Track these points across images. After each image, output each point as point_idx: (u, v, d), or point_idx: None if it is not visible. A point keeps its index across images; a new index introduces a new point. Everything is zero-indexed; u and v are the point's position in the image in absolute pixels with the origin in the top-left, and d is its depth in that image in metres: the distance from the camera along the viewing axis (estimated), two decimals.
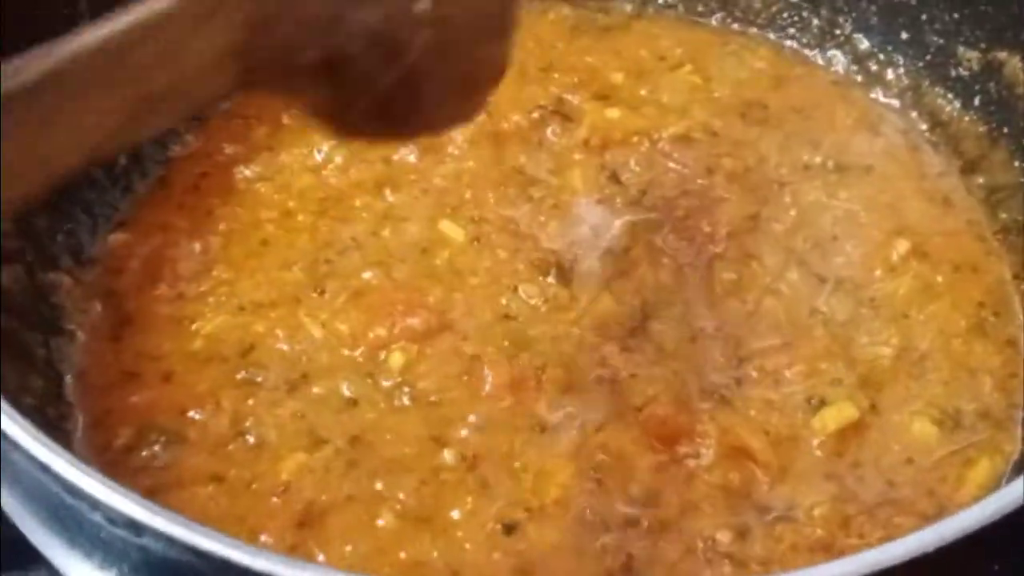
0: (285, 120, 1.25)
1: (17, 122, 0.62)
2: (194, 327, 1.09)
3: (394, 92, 0.81)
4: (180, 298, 1.11)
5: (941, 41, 1.23)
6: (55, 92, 0.64)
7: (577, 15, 1.37)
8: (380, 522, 0.97)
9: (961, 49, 1.21)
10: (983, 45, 1.19)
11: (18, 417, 0.77)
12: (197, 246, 1.15)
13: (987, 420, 1.05)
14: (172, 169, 1.22)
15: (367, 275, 1.12)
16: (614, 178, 1.20)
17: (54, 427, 0.98)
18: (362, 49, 0.77)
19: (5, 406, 0.77)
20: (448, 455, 1.00)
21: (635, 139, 1.22)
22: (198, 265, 1.13)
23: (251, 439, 1.01)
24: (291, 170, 1.21)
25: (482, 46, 0.87)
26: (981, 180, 1.21)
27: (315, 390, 1.04)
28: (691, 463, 1.01)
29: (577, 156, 1.22)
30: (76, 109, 0.65)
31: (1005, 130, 1.19)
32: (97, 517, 0.73)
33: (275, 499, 0.98)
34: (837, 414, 1.04)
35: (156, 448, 1.01)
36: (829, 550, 0.97)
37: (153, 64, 0.68)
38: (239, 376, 1.05)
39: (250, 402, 1.04)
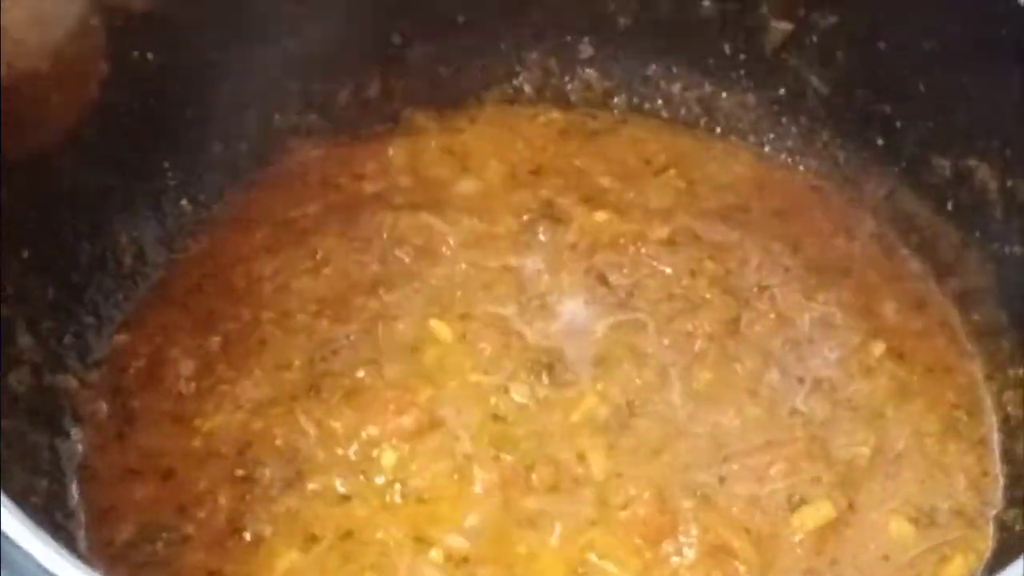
0: (284, 222, 1.28)
1: None
2: (194, 425, 1.12)
3: None
4: (181, 397, 1.14)
5: (915, 149, 1.27)
6: None
7: (566, 119, 1.41)
8: None
9: (935, 156, 1.25)
10: (955, 153, 1.23)
11: (21, 517, 0.79)
12: (198, 345, 1.18)
13: (961, 518, 1.09)
14: (174, 271, 1.25)
15: (360, 374, 1.15)
16: (602, 279, 1.23)
17: (58, 526, 1.01)
18: None
19: (8, 506, 0.79)
20: (436, 553, 1.03)
21: (622, 242, 1.26)
22: (199, 364, 1.16)
23: (248, 535, 1.04)
24: (290, 271, 1.24)
25: None
26: (954, 283, 1.24)
27: (310, 487, 1.07)
28: (675, 561, 1.03)
29: (566, 258, 1.25)
30: None
31: (977, 234, 1.22)
32: None
33: None
34: (816, 512, 1.07)
35: (157, 545, 1.04)
36: None
37: None
38: (237, 473, 1.08)
39: (247, 499, 1.06)
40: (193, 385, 1.15)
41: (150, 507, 1.06)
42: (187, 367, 1.15)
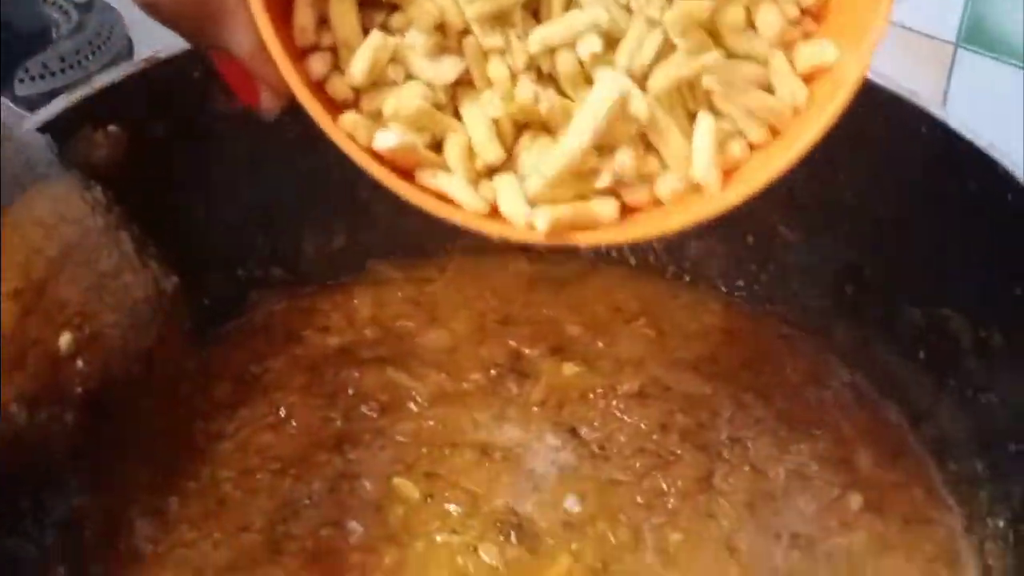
0: (247, 376, 1.26)
1: None
2: None
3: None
4: (138, 560, 1.10)
5: (886, 297, 1.27)
6: None
7: (534, 268, 1.40)
8: None
9: (906, 305, 1.25)
10: (927, 302, 1.23)
11: None
12: (157, 506, 1.14)
13: None
14: (133, 429, 1.21)
15: (324, 534, 1.12)
16: (572, 434, 1.21)
17: None
18: (28, 414, 0.88)
19: None
20: None
21: (591, 396, 1.24)
22: (156, 525, 1.13)
23: None
24: (251, 427, 1.21)
25: None
26: (930, 432, 1.23)
27: None
28: None
29: (535, 413, 1.23)
30: None
31: (951, 383, 1.22)
32: None
33: None
34: None
35: None
36: None
37: None
38: None
39: None
40: (151, 548, 1.11)
41: None
42: (145, 529, 1.12)
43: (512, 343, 1.30)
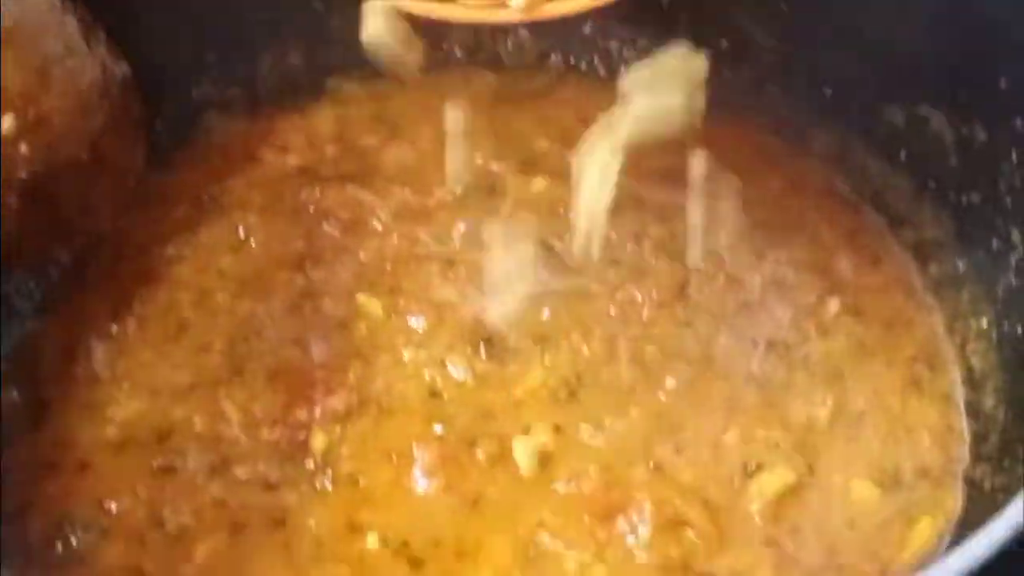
0: (205, 198, 1.22)
1: None
2: (108, 413, 1.06)
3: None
4: (96, 383, 1.08)
5: (865, 98, 1.22)
6: None
7: (500, 82, 1.35)
8: None
9: (885, 105, 1.20)
10: (907, 101, 1.19)
11: None
12: (113, 329, 1.12)
13: (927, 478, 1.04)
14: (87, 252, 1.18)
15: (285, 354, 1.09)
16: (543, 247, 1.17)
17: None
18: None
19: None
20: (373, 540, 0.97)
21: (561, 209, 1.20)
22: (114, 349, 1.10)
23: (170, 528, 0.98)
24: (210, 249, 1.18)
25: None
26: (910, 235, 1.20)
27: (235, 474, 1.01)
28: (630, 540, 0.98)
29: (503, 228, 1.19)
30: None
31: (932, 184, 1.18)
32: None
33: None
34: (774, 479, 1.02)
35: (74, 541, 0.98)
36: None
37: None
38: (156, 463, 1.02)
39: (167, 489, 1.00)
40: (108, 371, 1.08)
41: (66, 501, 1.00)
42: (101, 352, 1.10)
43: (479, 159, 1.26)
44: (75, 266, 1.17)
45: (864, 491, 1.02)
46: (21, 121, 0.89)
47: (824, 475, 1.03)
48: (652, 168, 1.25)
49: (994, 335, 1.10)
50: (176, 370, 1.08)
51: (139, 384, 1.07)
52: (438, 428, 1.04)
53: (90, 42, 0.96)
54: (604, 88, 1.33)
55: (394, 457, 1.02)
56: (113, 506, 0.99)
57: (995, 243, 1.11)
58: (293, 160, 1.25)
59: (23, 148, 0.89)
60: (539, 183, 1.24)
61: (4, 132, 0.88)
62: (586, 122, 1.29)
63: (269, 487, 1.00)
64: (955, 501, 1.02)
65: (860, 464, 1.04)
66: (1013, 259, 1.08)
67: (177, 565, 0.96)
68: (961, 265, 1.14)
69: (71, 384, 1.08)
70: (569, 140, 1.28)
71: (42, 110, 0.91)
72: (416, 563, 0.96)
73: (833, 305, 1.14)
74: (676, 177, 1.24)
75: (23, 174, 0.90)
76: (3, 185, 0.89)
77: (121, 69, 0.99)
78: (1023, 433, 1.00)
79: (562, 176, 1.24)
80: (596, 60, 1.35)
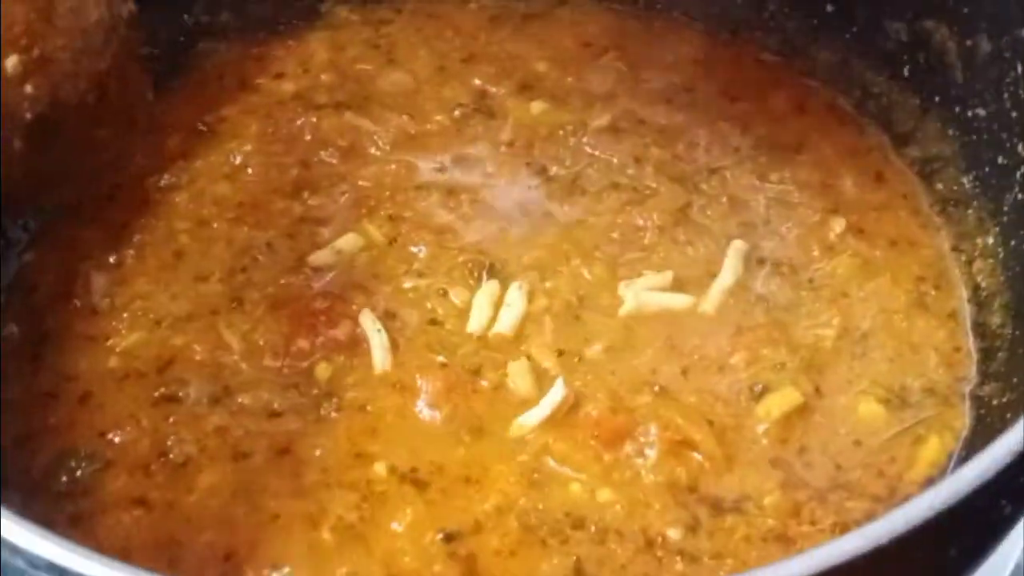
0: (200, 127, 1.20)
1: None
2: (109, 344, 1.04)
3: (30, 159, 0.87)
4: (95, 314, 1.07)
5: (867, 13, 1.20)
6: None
7: (497, 4, 1.33)
8: (317, 538, 0.92)
9: (888, 20, 1.18)
10: (910, 15, 1.16)
11: None
12: (111, 259, 1.10)
13: (934, 396, 1.03)
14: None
15: (285, 282, 1.07)
16: (542, 172, 1.16)
17: None
18: None
19: None
20: (381, 468, 0.96)
21: (561, 133, 1.19)
22: (112, 279, 1.09)
23: (174, 458, 0.97)
24: (206, 178, 1.16)
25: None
26: (914, 152, 1.18)
27: (238, 402, 1.00)
28: (637, 462, 0.97)
29: (503, 152, 1.18)
30: None
31: (936, 100, 1.16)
32: (19, 562, 0.68)
33: (202, 521, 0.93)
34: (781, 400, 1.01)
35: (77, 473, 0.97)
36: (781, 540, 0.94)
37: None
38: (157, 393, 1.01)
39: (171, 419, 0.99)
40: (107, 302, 1.07)
41: (68, 433, 0.99)
42: (99, 283, 1.08)
43: (476, 82, 1.24)
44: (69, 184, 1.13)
45: (870, 410, 1.01)
46: (26, 61, 0.86)
47: (830, 395, 1.02)
48: (654, 90, 1.24)
49: (1000, 252, 1.08)
50: (175, 300, 1.06)
51: (138, 314, 1.05)
52: (441, 357, 1.03)
53: None
54: (603, 9, 1.32)
55: (397, 385, 1.01)
56: (116, 437, 0.98)
57: (1000, 158, 1.08)
58: (288, 87, 1.23)
59: (28, 88, 0.86)
60: (538, 106, 1.22)
61: (8, 72, 0.85)
62: (587, 45, 1.28)
63: (273, 415, 0.99)
64: (963, 419, 1.01)
65: (866, 383, 1.02)
66: (1019, 174, 1.06)
67: (182, 495, 0.94)
68: (966, 182, 1.13)
69: (70, 315, 1.06)
70: (568, 63, 1.26)
71: (47, 49, 0.88)
72: (422, 487, 0.95)
73: (837, 225, 1.12)
74: (678, 99, 1.23)
75: (28, 115, 0.87)
76: (8, 126, 0.86)
77: (127, 8, 0.96)
78: None
79: (562, 99, 1.23)
80: None
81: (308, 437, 0.98)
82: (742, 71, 1.27)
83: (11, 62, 0.86)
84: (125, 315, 1.06)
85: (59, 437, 0.99)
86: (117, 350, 1.04)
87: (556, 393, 0.99)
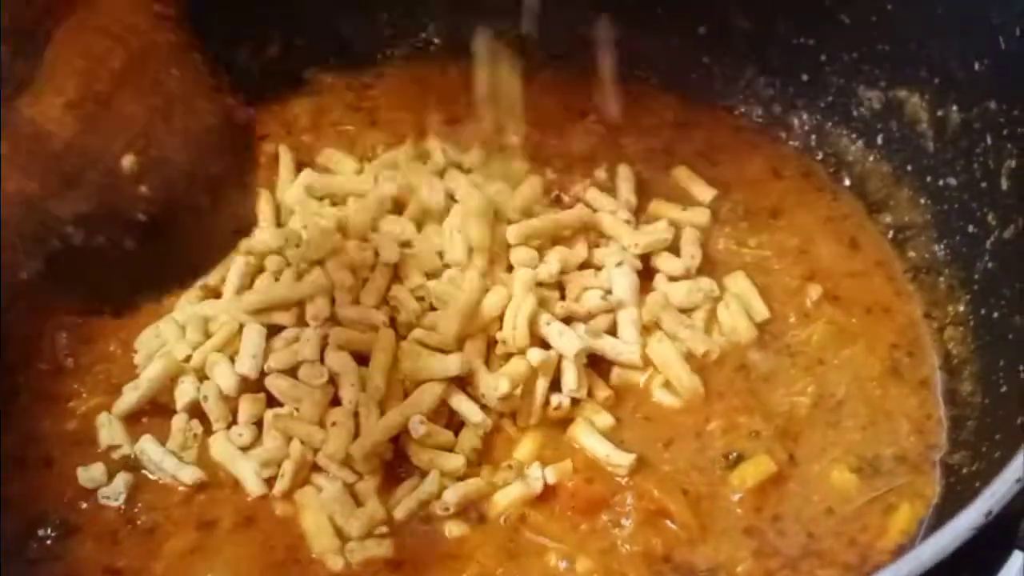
0: None
1: None
2: (70, 406, 1.02)
3: (138, 259, 0.83)
4: (60, 373, 1.05)
5: (842, 82, 1.19)
6: None
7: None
8: None
9: (862, 89, 1.18)
10: (883, 84, 1.16)
11: None
12: (77, 319, 1.08)
13: (905, 464, 1.01)
14: None
15: None
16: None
17: None
18: (85, 236, 0.79)
19: None
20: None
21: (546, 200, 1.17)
22: (78, 339, 1.07)
23: (141, 524, 0.95)
24: None
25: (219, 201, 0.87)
26: (888, 219, 1.17)
27: None
28: (614, 532, 0.96)
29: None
30: None
31: (909, 168, 1.16)
32: None
33: None
34: (755, 468, 0.99)
35: (47, 541, 0.95)
36: None
37: None
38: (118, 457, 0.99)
39: (136, 487, 0.98)
40: (71, 361, 1.05)
41: (37, 498, 0.97)
42: (64, 341, 1.07)
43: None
44: None
45: (843, 478, 1.00)
46: (142, 161, 0.81)
47: (804, 463, 1.00)
48: (632, 152, 1.23)
49: (971, 320, 1.07)
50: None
51: (100, 376, 1.04)
52: None
53: (216, 83, 0.90)
54: (583, 75, 1.31)
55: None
56: (82, 503, 0.96)
57: (971, 227, 1.08)
58: (269, 147, 1.21)
59: (143, 189, 0.82)
60: (520, 166, 1.19)
61: (124, 171, 0.81)
62: (568, 109, 1.27)
63: (238, 483, 0.98)
64: (933, 487, 0.99)
65: (839, 452, 1.01)
66: (989, 243, 1.06)
67: (149, 562, 0.93)
68: (938, 250, 1.12)
69: (36, 373, 1.05)
70: (548, 126, 1.24)
71: (163, 151, 0.83)
72: (397, 565, 0.94)
73: (814, 291, 1.11)
74: (657, 160, 1.22)
75: (142, 215, 0.82)
76: (120, 225, 0.82)
77: (247, 114, 0.91)
78: (999, 418, 0.98)
79: (544, 161, 1.21)
80: (577, 48, 1.30)
81: (273, 507, 0.97)
82: (719, 136, 1.25)
83: (128, 161, 0.82)
84: (87, 377, 1.04)
85: (29, 503, 0.96)
86: (78, 413, 1.02)
87: (535, 481, 0.98)
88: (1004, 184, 1.04)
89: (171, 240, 0.85)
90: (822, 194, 1.21)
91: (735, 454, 1.01)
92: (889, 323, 1.11)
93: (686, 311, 1.09)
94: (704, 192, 1.19)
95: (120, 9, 0.85)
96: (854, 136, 1.20)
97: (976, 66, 1.05)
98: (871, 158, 1.19)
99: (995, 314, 1.05)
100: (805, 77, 1.22)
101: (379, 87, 1.30)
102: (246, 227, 0.92)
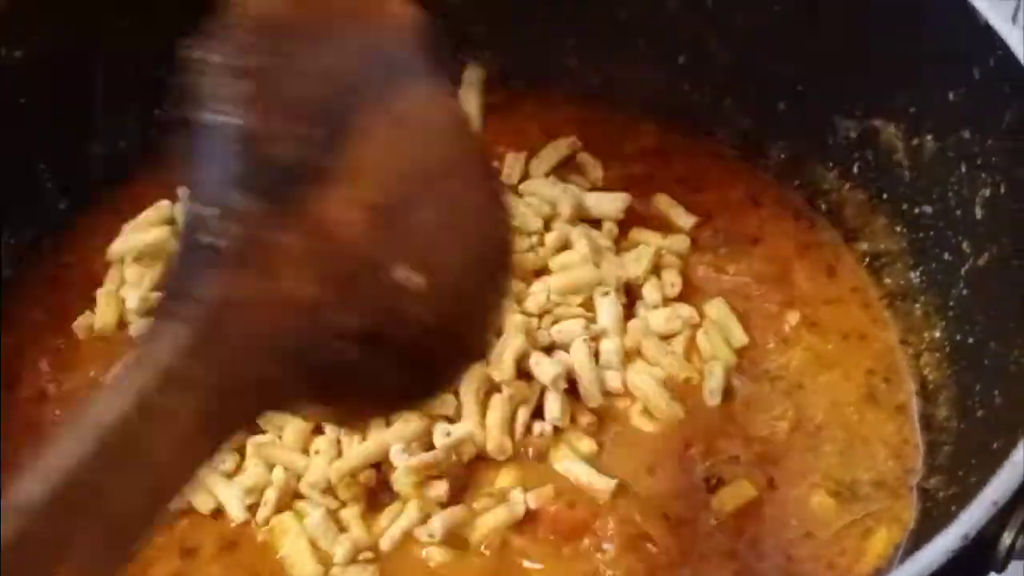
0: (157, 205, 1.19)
1: None
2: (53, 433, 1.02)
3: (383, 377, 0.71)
4: (43, 399, 1.05)
5: (818, 111, 1.20)
6: None
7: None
8: None
9: (838, 118, 1.19)
10: (859, 113, 1.16)
11: None
12: (59, 343, 1.08)
13: (883, 489, 1.02)
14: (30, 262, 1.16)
15: None
16: None
17: None
18: (351, 351, 0.68)
19: None
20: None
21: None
22: (60, 365, 1.07)
23: None
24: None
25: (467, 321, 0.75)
26: (864, 247, 1.18)
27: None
28: (596, 556, 0.96)
29: None
30: None
31: (884, 196, 1.16)
32: None
33: None
34: (735, 493, 1.00)
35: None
36: None
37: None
38: None
39: None
40: (53, 386, 1.06)
41: None
42: (47, 365, 1.07)
43: None
44: (15, 277, 1.14)
45: (822, 503, 1.00)
46: (419, 274, 0.68)
47: (783, 488, 1.01)
48: (614, 177, 1.24)
49: (947, 346, 1.08)
50: None
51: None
52: None
53: (505, 196, 0.79)
54: (566, 102, 1.32)
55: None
56: None
57: (946, 255, 1.09)
58: None
59: (416, 308, 0.70)
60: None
61: (401, 283, 0.68)
62: (551, 135, 1.27)
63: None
64: (910, 511, 1.00)
65: (818, 476, 1.02)
66: (963, 270, 1.07)
67: None
68: (914, 277, 1.13)
69: (17, 400, 1.05)
70: (530, 151, 1.25)
71: (445, 266, 0.71)
72: None
73: (792, 318, 1.12)
74: (638, 186, 1.23)
75: (408, 334, 0.70)
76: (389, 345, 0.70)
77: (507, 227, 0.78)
78: (975, 443, 0.98)
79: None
80: (557, 77, 1.32)
81: (255, 532, 0.98)
82: (699, 163, 1.26)
83: (402, 274, 0.69)
84: (72, 402, 1.03)
85: None
86: None
87: (517, 506, 0.98)
88: (978, 212, 1.04)
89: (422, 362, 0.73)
90: (800, 222, 1.22)
91: (715, 479, 1.01)
92: (866, 349, 1.12)
93: (665, 338, 1.10)
94: (684, 219, 1.20)
95: (430, 104, 0.73)
96: (830, 164, 1.21)
97: (951, 96, 1.05)
98: (847, 186, 1.20)
99: (970, 339, 1.06)
100: (782, 106, 1.23)
101: None
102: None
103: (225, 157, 0.65)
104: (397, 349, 0.70)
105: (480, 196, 0.74)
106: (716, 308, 1.12)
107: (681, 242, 1.15)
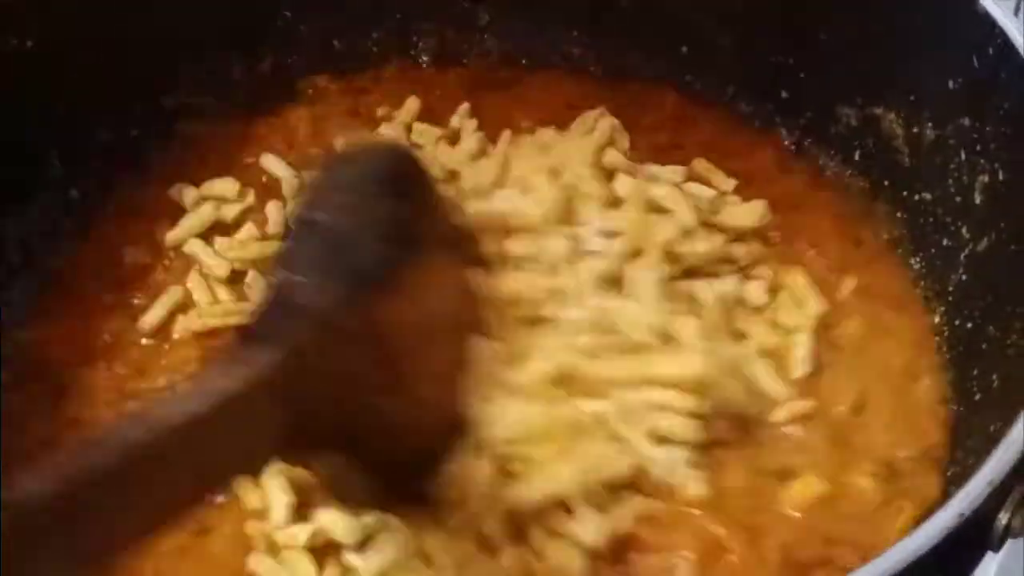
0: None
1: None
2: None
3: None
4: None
5: (820, 100, 1.21)
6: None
7: (474, 73, 1.33)
8: None
9: (839, 106, 1.20)
10: (859, 101, 1.17)
11: None
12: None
13: (905, 469, 1.02)
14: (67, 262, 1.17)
15: None
16: None
17: None
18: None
19: None
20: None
21: None
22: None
23: None
24: None
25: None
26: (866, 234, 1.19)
27: None
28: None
29: None
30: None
31: (885, 183, 1.17)
32: None
33: None
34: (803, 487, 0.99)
35: None
36: None
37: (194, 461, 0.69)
38: None
39: None
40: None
41: None
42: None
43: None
44: (55, 275, 1.14)
45: (859, 483, 1.00)
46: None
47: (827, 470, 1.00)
48: (642, 147, 1.23)
49: (945, 331, 1.09)
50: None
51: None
52: None
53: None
54: (575, 75, 1.32)
55: None
56: None
57: (946, 241, 1.10)
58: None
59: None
60: None
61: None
62: (570, 105, 1.26)
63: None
64: (933, 489, 0.99)
65: (863, 458, 1.01)
66: (963, 256, 1.08)
67: (139, 560, 0.92)
68: (914, 263, 1.14)
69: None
70: (554, 123, 1.23)
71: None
72: None
73: (847, 285, 1.13)
74: (668, 153, 1.23)
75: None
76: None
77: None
78: (972, 425, 1.00)
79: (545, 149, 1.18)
80: (559, 63, 1.33)
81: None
82: (703, 148, 1.25)
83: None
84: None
85: None
86: None
87: None
88: (978, 199, 1.06)
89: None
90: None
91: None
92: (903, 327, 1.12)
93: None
94: (724, 183, 1.20)
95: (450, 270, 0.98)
96: (832, 152, 1.22)
97: (950, 84, 1.07)
98: (848, 173, 1.21)
99: (969, 324, 1.07)
100: (784, 95, 1.24)
101: (376, 92, 1.30)
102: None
103: (316, 247, 0.84)
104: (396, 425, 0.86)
105: (467, 333, 0.95)
106: (794, 277, 1.10)
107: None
